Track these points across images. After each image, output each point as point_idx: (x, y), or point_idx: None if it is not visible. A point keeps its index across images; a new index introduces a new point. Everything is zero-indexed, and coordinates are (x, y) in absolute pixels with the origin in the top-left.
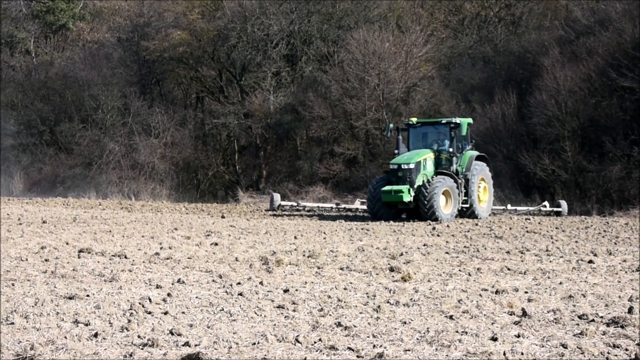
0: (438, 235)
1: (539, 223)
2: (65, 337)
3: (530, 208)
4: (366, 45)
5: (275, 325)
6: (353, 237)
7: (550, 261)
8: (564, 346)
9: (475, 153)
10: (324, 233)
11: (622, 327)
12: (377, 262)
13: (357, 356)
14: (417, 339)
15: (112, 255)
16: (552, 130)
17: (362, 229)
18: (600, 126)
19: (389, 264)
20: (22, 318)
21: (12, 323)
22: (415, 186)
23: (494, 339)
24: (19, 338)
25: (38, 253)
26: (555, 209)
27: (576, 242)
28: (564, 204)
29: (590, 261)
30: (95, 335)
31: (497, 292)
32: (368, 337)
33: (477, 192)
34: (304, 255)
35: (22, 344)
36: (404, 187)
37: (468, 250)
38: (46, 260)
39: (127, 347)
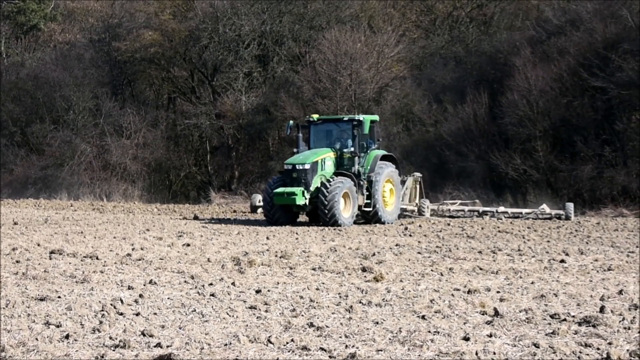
0: (410, 236)
1: (511, 223)
2: (37, 339)
3: (525, 210)
4: (338, 46)
5: (247, 326)
6: (325, 238)
7: (522, 261)
8: (536, 345)
9: (381, 153)
10: (296, 234)
11: (593, 326)
12: (349, 262)
13: (330, 356)
14: (390, 339)
15: (84, 257)
16: (523, 130)
17: (335, 229)
18: (572, 126)
19: (361, 264)
20: None
21: None
22: (312, 188)
23: (466, 339)
24: None
25: (9, 254)
26: (555, 213)
27: (548, 241)
28: (570, 206)
29: (562, 261)
30: (67, 336)
31: (469, 291)
32: (340, 337)
33: (383, 195)
34: (276, 256)
35: None
36: (298, 190)
37: (440, 250)
38: (17, 261)
39: (99, 349)
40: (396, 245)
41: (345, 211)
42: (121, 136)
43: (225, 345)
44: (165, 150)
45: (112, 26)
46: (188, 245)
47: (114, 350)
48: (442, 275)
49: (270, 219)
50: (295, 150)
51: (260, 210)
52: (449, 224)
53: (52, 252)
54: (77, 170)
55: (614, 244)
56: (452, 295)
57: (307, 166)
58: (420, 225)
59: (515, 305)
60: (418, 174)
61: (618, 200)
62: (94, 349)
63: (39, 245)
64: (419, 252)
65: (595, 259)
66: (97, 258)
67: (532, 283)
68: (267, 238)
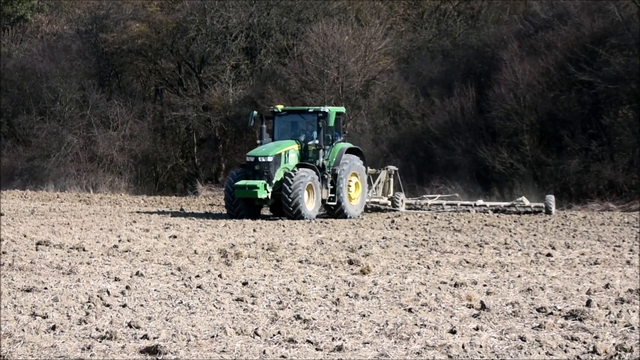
0: (397, 229)
1: (498, 217)
2: (23, 330)
3: (503, 204)
4: (325, 39)
5: (234, 318)
6: (312, 230)
7: (508, 254)
8: (523, 339)
9: (347, 146)
10: (283, 226)
11: (580, 320)
12: (336, 255)
13: (316, 349)
14: (376, 331)
15: (70, 248)
16: (510, 124)
17: (321, 222)
18: (559, 120)
19: (348, 257)
20: None
21: None
22: (274, 181)
23: (453, 332)
24: None
25: None
26: (534, 206)
27: (534, 235)
28: (550, 199)
29: (549, 254)
30: (53, 328)
31: (455, 285)
32: (327, 330)
33: (348, 189)
34: (263, 248)
35: None
36: (259, 182)
37: (427, 243)
38: (4, 252)
39: (85, 340)
40: (383, 238)
41: (309, 204)
42: (108, 128)
43: (212, 337)
44: (152, 142)
45: (99, 17)
46: (175, 237)
47: (100, 342)
48: (428, 268)
49: (232, 212)
50: (258, 142)
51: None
52: (435, 217)
53: (38, 244)
54: (63, 162)
55: (600, 238)
56: (439, 288)
57: (269, 159)
58: (407, 219)
59: (501, 299)
60: (393, 167)
61: (604, 195)
62: (81, 340)
63: (25, 236)
64: (405, 245)
65: (582, 253)
66: (83, 249)
67: (519, 277)
68: (254, 230)
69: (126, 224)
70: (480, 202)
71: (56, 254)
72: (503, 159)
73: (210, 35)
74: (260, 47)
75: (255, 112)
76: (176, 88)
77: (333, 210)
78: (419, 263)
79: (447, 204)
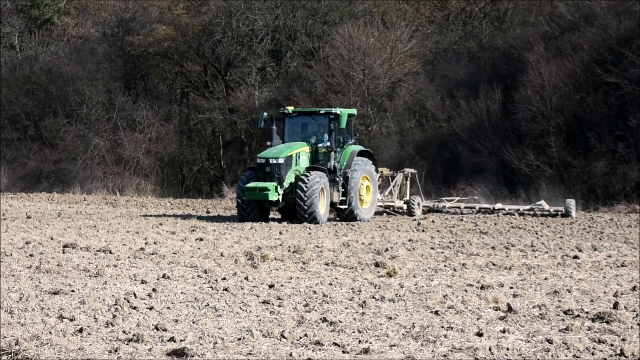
0: (423, 231)
1: (524, 219)
2: (50, 333)
3: (522, 207)
4: (351, 41)
5: (260, 320)
6: (338, 233)
7: (535, 257)
8: (550, 341)
9: (359, 148)
10: (309, 228)
11: (607, 322)
12: (362, 257)
13: (343, 351)
14: (403, 334)
15: (97, 251)
16: (536, 125)
17: (347, 224)
18: (585, 122)
19: (374, 259)
20: (7, 313)
21: None
22: (286, 184)
23: (480, 334)
24: (3, 333)
25: (22, 248)
26: (554, 210)
27: (561, 237)
28: (570, 202)
29: (575, 257)
30: (80, 330)
31: (482, 287)
32: (353, 332)
33: (359, 192)
34: (289, 251)
35: (7, 340)
36: (270, 185)
37: (453, 245)
38: (31, 255)
39: (112, 343)
40: (409, 240)
41: (321, 207)
42: (134, 130)
43: (239, 339)
44: (178, 145)
45: (125, 20)
46: (201, 239)
47: (127, 344)
48: (455, 270)
49: (243, 214)
50: (268, 143)
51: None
52: (461, 220)
53: (65, 246)
54: (90, 164)
55: (627, 240)
56: (466, 290)
57: (280, 160)
58: (433, 221)
59: (528, 301)
60: (410, 170)
61: (631, 196)
62: (108, 342)
63: (52, 239)
64: (432, 248)
65: (609, 255)
66: (110, 252)
67: (546, 279)
68: (280, 233)
69: (152, 226)
70: (499, 205)
71: (83, 257)
72: (529, 161)
73: (236, 38)
74: (286, 49)
75: (265, 113)
76: (202, 91)
77: (343, 213)
78: (445, 265)
79: (465, 207)
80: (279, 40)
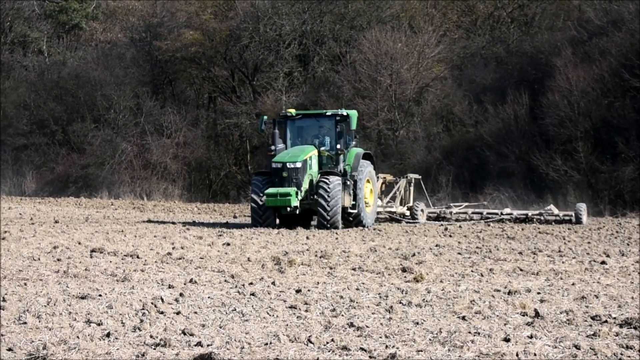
0: (450, 236)
1: (552, 224)
2: (78, 337)
3: (532, 212)
4: (378, 46)
5: (287, 325)
6: (365, 238)
7: (562, 262)
8: (577, 347)
9: (362, 151)
10: (336, 233)
11: (635, 328)
12: (389, 262)
13: (370, 356)
14: (430, 339)
15: (124, 255)
16: (564, 130)
17: (375, 229)
18: (613, 127)
19: (401, 264)
20: (35, 318)
21: (25, 323)
22: (303, 188)
23: (507, 340)
24: (31, 338)
25: (50, 253)
26: (563, 215)
27: (589, 243)
28: (581, 207)
29: (603, 262)
30: (108, 335)
31: (509, 292)
32: (380, 337)
33: (365, 195)
34: (316, 256)
35: (35, 344)
36: (292, 190)
37: (480, 250)
38: (58, 259)
39: (140, 347)
40: (436, 245)
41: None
42: (162, 135)
43: (266, 344)
44: (206, 150)
45: (153, 25)
46: (228, 244)
47: (154, 349)
48: (482, 276)
49: (259, 221)
50: (272, 147)
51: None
52: (488, 225)
53: (93, 251)
54: (117, 169)
55: None
56: (493, 296)
57: (298, 164)
58: (460, 226)
59: (555, 307)
60: (414, 175)
61: None
62: (135, 347)
63: (79, 243)
64: (459, 253)
65: (637, 261)
66: (137, 257)
67: (573, 284)
68: (307, 238)
69: (180, 231)
70: (507, 210)
71: (110, 261)
72: (557, 166)
73: (263, 43)
74: (313, 54)
75: (265, 117)
76: (229, 95)
77: (351, 218)
78: (472, 271)
79: (472, 212)
80: (306, 45)
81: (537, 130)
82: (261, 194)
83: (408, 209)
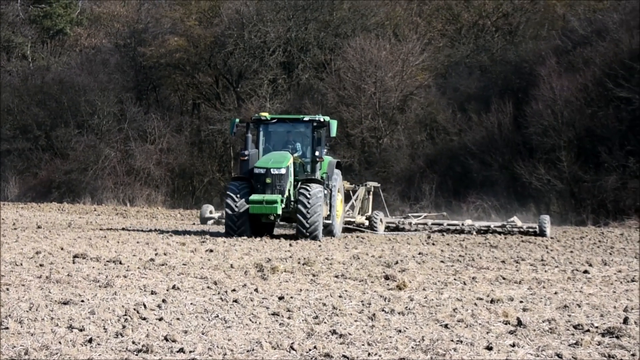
0: (433, 244)
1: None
2: (60, 343)
3: (494, 224)
4: (363, 54)
5: (270, 332)
6: (348, 245)
7: (545, 271)
8: (559, 356)
9: (334, 160)
10: (319, 241)
11: (617, 337)
12: (372, 270)
13: None
14: (412, 347)
15: (107, 261)
16: (548, 140)
17: (357, 237)
18: (597, 136)
19: (384, 272)
20: (17, 323)
21: (7, 328)
22: (285, 196)
23: (489, 348)
24: (13, 343)
25: (33, 258)
26: (527, 227)
27: (571, 252)
28: (544, 219)
29: (586, 271)
30: (90, 340)
31: (492, 301)
32: (363, 345)
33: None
34: (299, 263)
35: (17, 349)
36: (278, 197)
37: (463, 259)
38: (41, 265)
39: (122, 353)
40: (419, 253)
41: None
42: (145, 141)
43: (248, 351)
44: (189, 156)
45: (137, 31)
46: (211, 251)
47: (137, 355)
48: (465, 284)
49: (233, 228)
50: (245, 152)
51: (211, 222)
52: (471, 233)
53: (75, 256)
54: (101, 175)
55: (637, 255)
56: (475, 304)
57: (282, 171)
58: (443, 234)
59: (538, 315)
60: (373, 183)
61: None
62: (117, 353)
63: (62, 249)
64: (442, 261)
65: (619, 270)
66: (120, 263)
67: (556, 293)
68: (290, 245)
69: (163, 237)
70: (469, 221)
71: (93, 267)
72: (540, 175)
73: (248, 50)
74: (298, 61)
75: (237, 120)
76: (213, 102)
77: (324, 227)
78: (455, 279)
79: (432, 224)
80: (291, 53)
81: (521, 139)
82: (237, 200)
83: (367, 219)
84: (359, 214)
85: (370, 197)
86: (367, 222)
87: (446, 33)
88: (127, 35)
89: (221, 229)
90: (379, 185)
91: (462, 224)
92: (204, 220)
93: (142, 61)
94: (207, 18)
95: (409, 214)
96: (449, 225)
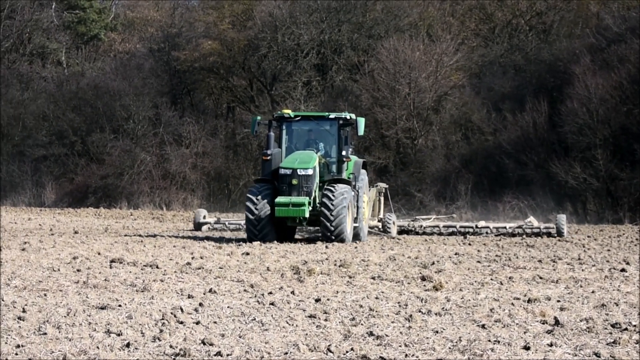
0: (469, 244)
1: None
2: (98, 347)
3: (510, 225)
4: (396, 54)
5: (307, 334)
6: (384, 247)
7: (582, 270)
8: (597, 355)
9: (360, 159)
10: (355, 242)
11: None
12: (408, 271)
13: None
14: (449, 348)
15: (144, 265)
16: (583, 138)
17: (393, 238)
18: (632, 134)
19: (420, 273)
20: (55, 328)
21: (45, 333)
22: (312, 198)
23: (527, 348)
24: (51, 348)
25: (70, 263)
26: (544, 227)
27: (608, 250)
28: (561, 219)
29: (623, 270)
30: (127, 345)
31: (529, 300)
32: (400, 346)
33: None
34: (335, 265)
35: (55, 354)
36: (305, 199)
37: (500, 259)
38: (78, 270)
39: (159, 357)
40: (455, 254)
41: (347, 225)
42: (180, 145)
43: (285, 354)
44: (224, 159)
45: (171, 36)
46: (247, 254)
47: (174, 359)
48: (501, 284)
49: (254, 233)
50: (268, 152)
51: (206, 227)
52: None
53: (112, 261)
54: (136, 179)
55: None
56: (512, 304)
57: (309, 171)
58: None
59: (575, 315)
60: (383, 185)
61: None
62: (155, 357)
63: (99, 254)
64: (478, 261)
65: None
66: (157, 267)
67: (593, 292)
68: (326, 247)
69: (199, 241)
70: (482, 223)
71: (130, 272)
72: (576, 174)
73: (281, 52)
74: (332, 63)
75: (258, 117)
76: (248, 105)
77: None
78: (491, 279)
79: (444, 226)
80: (325, 55)
81: (556, 138)
82: (257, 203)
83: (379, 221)
84: (371, 216)
85: (382, 198)
86: (379, 224)
87: (480, 33)
88: (161, 39)
89: (217, 234)
90: (387, 186)
91: (476, 226)
92: (198, 226)
93: (176, 65)
94: (241, 21)
95: (417, 217)
96: (461, 227)
